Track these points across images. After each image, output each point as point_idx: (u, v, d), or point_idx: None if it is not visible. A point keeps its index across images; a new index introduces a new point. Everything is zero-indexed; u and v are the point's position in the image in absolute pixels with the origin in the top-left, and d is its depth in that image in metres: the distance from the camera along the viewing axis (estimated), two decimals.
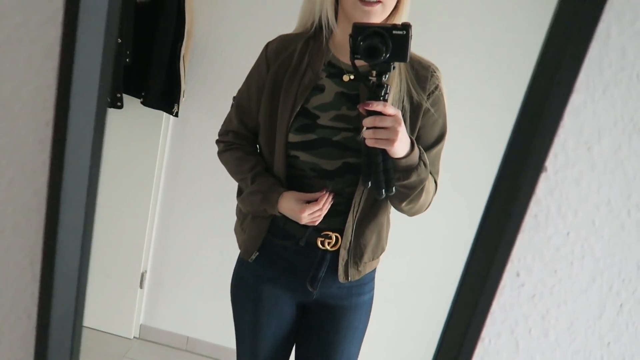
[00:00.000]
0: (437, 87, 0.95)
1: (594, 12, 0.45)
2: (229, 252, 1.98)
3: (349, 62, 0.82)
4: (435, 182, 0.95)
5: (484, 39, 1.56)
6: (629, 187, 0.55)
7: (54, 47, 0.53)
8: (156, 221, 2.07)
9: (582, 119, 0.53)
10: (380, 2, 0.84)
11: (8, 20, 0.53)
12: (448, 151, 0.97)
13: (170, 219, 2.06)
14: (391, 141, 0.79)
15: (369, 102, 0.79)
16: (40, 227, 0.60)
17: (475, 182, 1.14)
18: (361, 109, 0.81)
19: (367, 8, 0.83)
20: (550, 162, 0.55)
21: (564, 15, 0.47)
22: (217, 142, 1.09)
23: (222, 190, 1.91)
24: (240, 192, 1.05)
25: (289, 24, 1.06)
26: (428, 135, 0.95)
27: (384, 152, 0.81)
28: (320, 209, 0.90)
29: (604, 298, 0.58)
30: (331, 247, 0.98)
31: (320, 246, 0.98)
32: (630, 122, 0.53)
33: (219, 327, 2.17)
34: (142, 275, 2.15)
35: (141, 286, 2.16)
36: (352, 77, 0.92)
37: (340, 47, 0.94)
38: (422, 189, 0.88)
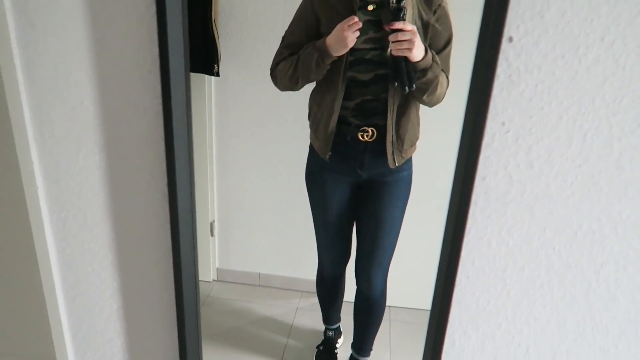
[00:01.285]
0: (440, 6, 1.15)
1: None
2: (282, 192, 2.24)
3: None
4: (447, 78, 1.18)
5: None
6: (577, 41, 0.73)
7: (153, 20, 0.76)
8: (215, 175, 2.33)
9: None
10: None
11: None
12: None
13: (227, 171, 2.31)
14: (410, 49, 1.04)
15: (393, 22, 1.03)
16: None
17: (461, 64, 1.33)
18: (387, 28, 1.07)
19: None
20: (513, 32, 0.73)
21: None
22: (271, 73, 1.32)
23: (268, 139, 2.14)
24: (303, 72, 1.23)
25: None
26: (437, 42, 1.17)
27: (406, 58, 1.07)
28: (353, 20, 1.09)
29: (571, 130, 0.77)
30: (369, 139, 1.25)
31: (361, 139, 1.25)
32: None
33: (285, 261, 2.44)
34: (212, 225, 2.41)
35: (212, 234, 2.43)
36: (375, 6, 1.13)
37: None
38: (437, 84, 1.13)
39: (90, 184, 0.94)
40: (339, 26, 1.14)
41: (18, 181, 0.94)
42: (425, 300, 1.36)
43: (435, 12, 1.14)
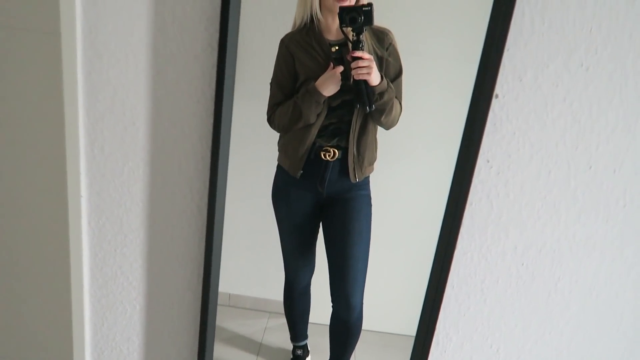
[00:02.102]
0: (390, 44, 1.41)
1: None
2: (253, 214, 2.36)
3: (334, 39, 1.31)
4: (400, 104, 1.41)
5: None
6: (545, 100, 0.95)
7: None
8: None
9: (515, 62, 0.93)
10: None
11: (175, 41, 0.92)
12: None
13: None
14: (369, 74, 1.28)
15: (354, 50, 1.26)
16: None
17: (451, 117, 1.55)
18: (349, 56, 1.30)
19: (341, 4, 1.28)
20: (499, 90, 0.94)
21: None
22: (269, 118, 1.49)
23: (240, 162, 2.27)
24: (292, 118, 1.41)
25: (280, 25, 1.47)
26: (390, 73, 1.43)
27: (366, 82, 1.29)
28: (340, 69, 1.31)
29: (539, 168, 0.99)
30: (331, 158, 1.46)
31: (323, 157, 1.44)
32: (542, 64, 0.93)
33: (255, 282, 2.54)
34: None
35: None
36: (337, 47, 1.37)
37: (326, 30, 1.38)
38: (392, 106, 1.38)
39: (131, 194, 1.06)
40: (328, 73, 1.36)
41: (63, 190, 1.05)
42: (388, 323, 1.55)
43: (387, 49, 1.40)
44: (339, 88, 1.35)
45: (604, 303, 1.09)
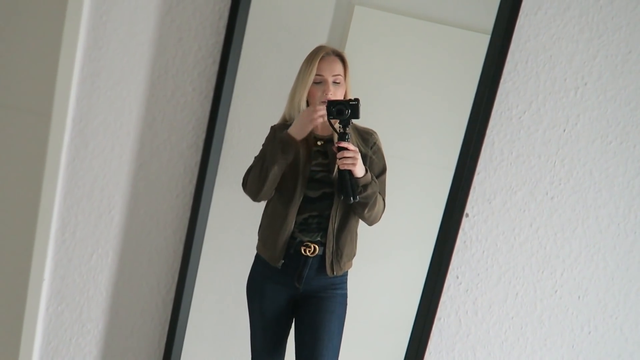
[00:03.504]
0: (375, 143, 1.46)
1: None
2: (223, 303, 2.30)
3: (319, 134, 1.35)
4: (384, 201, 1.43)
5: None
6: (513, 223, 0.99)
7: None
8: None
9: (485, 185, 0.97)
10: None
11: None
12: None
13: None
14: (354, 164, 1.29)
15: (340, 141, 1.29)
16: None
17: (422, 230, 1.57)
18: (335, 147, 1.33)
19: (329, 100, 1.36)
20: (469, 210, 0.98)
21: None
22: (243, 184, 1.49)
23: (210, 249, 2.25)
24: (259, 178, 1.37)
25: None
26: (374, 170, 1.46)
27: (350, 172, 1.30)
28: (320, 109, 1.29)
29: (507, 289, 1.00)
30: (311, 254, 1.44)
31: (303, 253, 1.42)
32: (510, 190, 0.98)
33: None
34: None
35: None
36: (323, 142, 1.41)
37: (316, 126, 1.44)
38: (375, 199, 1.38)
39: (95, 282, 1.03)
40: (304, 113, 1.39)
41: (26, 272, 1.02)
42: None
43: (371, 147, 1.45)
44: (316, 124, 1.37)
45: None
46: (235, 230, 1.76)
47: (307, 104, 1.46)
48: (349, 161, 1.31)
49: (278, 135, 1.44)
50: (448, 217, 0.96)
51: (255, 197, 1.54)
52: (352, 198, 1.33)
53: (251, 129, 1.34)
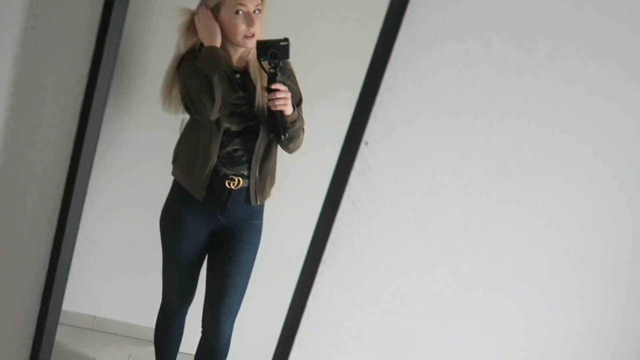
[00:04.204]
0: (291, 71, 1.47)
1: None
2: (127, 232, 2.23)
3: (235, 66, 1.39)
4: (303, 129, 1.46)
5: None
6: (408, 155, 1.02)
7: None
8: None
9: (387, 115, 0.99)
10: (253, 35, 1.35)
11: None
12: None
13: None
14: (285, 104, 1.34)
15: (272, 83, 1.29)
16: None
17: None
18: (264, 88, 1.34)
19: (250, 40, 1.35)
20: (369, 139, 1.00)
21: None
22: (189, 106, 1.42)
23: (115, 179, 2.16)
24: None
25: None
26: (295, 99, 1.47)
27: (281, 112, 1.35)
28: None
29: (401, 214, 1.05)
30: (235, 187, 1.45)
31: (227, 186, 1.43)
32: (409, 123, 1.00)
33: (123, 305, 2.38)
34: None
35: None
36: (239, 74, 1.41)
37: (229, 59, 1.41)
38: (300, 132, 1.41)
39: None
40: (200, 20, 1.36)
41: None
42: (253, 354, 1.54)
43: (289, 76, 1.46)
44: (217, 30, 1.35)
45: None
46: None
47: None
48: (281, 102, 1.33)
49: (202, 51, 1.38)
50: (347, 146, 0.98)
51: (210, 112, 1.47)
52: (283, 136, 1.36)
53: None
